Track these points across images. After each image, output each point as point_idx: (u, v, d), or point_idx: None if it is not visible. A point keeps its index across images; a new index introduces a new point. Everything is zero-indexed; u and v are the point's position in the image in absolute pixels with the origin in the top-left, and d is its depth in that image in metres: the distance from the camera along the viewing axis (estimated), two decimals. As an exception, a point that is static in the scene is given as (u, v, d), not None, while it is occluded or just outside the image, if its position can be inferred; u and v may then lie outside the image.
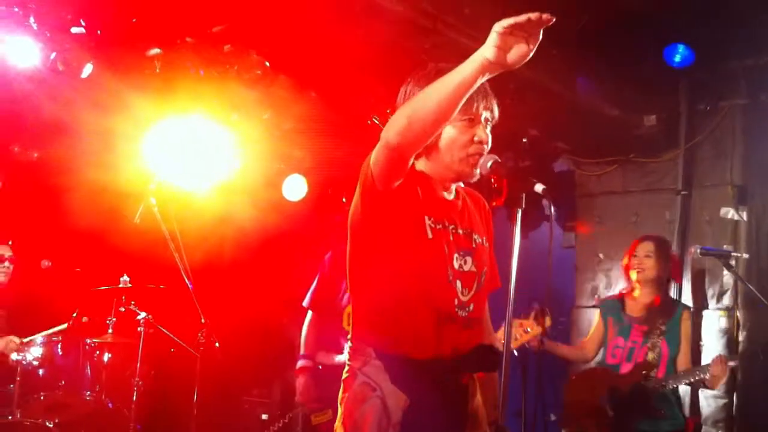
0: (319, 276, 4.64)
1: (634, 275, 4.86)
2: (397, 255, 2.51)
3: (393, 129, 2.35)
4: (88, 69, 4.90)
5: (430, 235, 2.54)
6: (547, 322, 4.37)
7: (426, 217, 2.56)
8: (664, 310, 4.81)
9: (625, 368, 4.66)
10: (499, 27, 2.14)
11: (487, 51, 2.18)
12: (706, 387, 4.71)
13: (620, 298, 4.98)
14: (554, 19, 2.12)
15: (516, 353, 4.50)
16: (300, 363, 4.52)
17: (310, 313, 4.64)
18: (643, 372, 4.59)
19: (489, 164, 2.58)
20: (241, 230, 6.19)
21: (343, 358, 4.29)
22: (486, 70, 2.23)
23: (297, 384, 4.51)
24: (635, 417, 4.56)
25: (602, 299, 5.11)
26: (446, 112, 2.32)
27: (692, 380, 4.63)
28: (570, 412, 4.77)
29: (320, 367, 4.47)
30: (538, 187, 2.50)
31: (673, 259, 5.15)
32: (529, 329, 4.04)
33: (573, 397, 4.78)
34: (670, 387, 4.63)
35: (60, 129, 5.55)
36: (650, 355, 4.66)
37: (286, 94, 5.65)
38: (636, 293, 4.88)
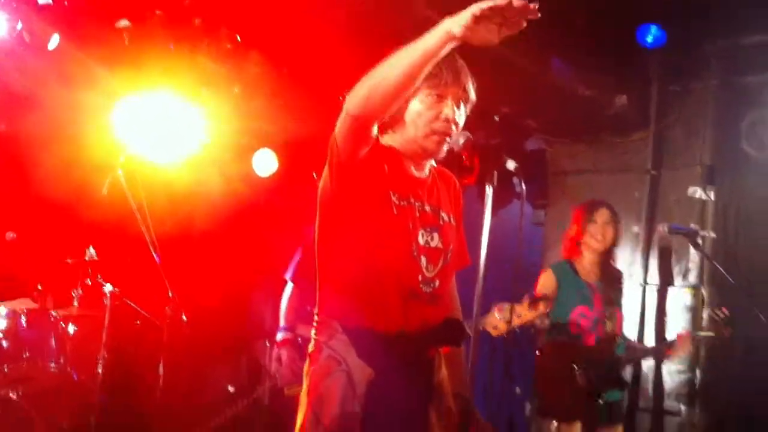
0: (302, 249, 4.64)
1: (594, 244, 4.71)
2: (363, 230, 2.52)
3: (354, 98, 2.35)
4: (55, 40, 4.82)
5: (395, 211, 2.55)
6: (542, 308, 4.37)
7: (391, 193, 2.56)
8: (615, 277, 4.81)
9: (590, 339, 4.58)
10: (477, 9, 2.11)
11: (455, 27, 2.16)
12: (665, 358, 4.75)
13: (570, 263, 4.79)
14: (537, 10, 2.10)
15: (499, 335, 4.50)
16: (281, 335, 4.54)
17: (290, 286, 4.65)
18: (612, 345, 4.57)
19: (461, 141, 2.58)
20: (210, 204, 6.15)
21: None
22: (449, 43, 2.21)
23: (278, 356, 4.50)
24: (607, 388, 4.52)
25: (554, 263, 4.87)
26: (407, 82, 2.31)
27: (655, 354, 4.74)
28: (542, 389, 4.67)
29: (300, 339, 4.47)
30: (510, 165, 2.50)
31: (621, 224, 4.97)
32: (520, 315, 4.06)
33: (547, 375, 4.64)
34: (639, 359, 4.68)
35: (27, 101, 5.46)
36: (608, 325, 4.62)
37: (256, 69, 5.60)
38: (587, 261, 4.75)
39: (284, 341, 4.52)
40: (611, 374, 4.53)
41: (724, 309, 4.75)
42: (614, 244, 4.77)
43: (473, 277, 2.48)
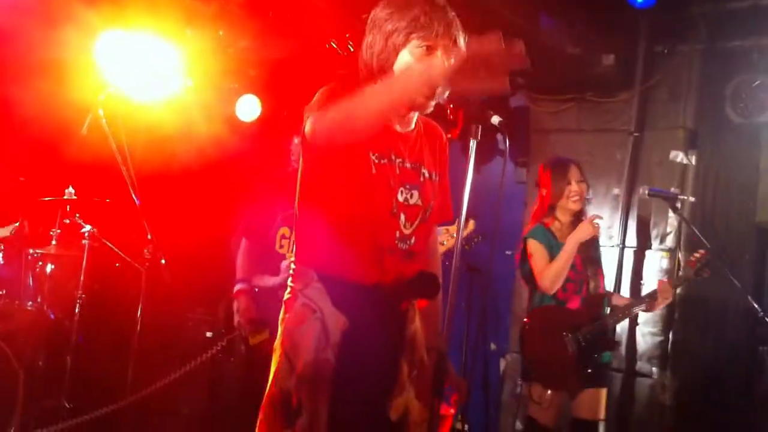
0: (254, 204, 4.68)
1: (572, 205, 4.62)
2: (342, 187, 2.52)
3: (321, 127, 2.36)
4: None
5: (373, 170, 2.55)
6: (471, 226, 4.39)
7: (370, 153, 2.55)
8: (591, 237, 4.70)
9: (574, 302, 4.56)
10: (454, 61, 2.22)
11: (437, 72, 2.26)
12: (647, 310, 4.74)
13: (547, 227, 4.67)
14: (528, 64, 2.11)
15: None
16: (237, 287, 4.60)
17: (244, 240, 4.69)
18: (600, 306, 4.55)
19: (446, 93, 2.55)
20: (192, 147, 6.10)
21: (278, 280, 4.35)
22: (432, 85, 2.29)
23: (235, 307, 4.58)
24: (598, 351, 4.53)
25: (531, 229, 4.72)
26: (380, 120, 2.41)
27: (641, 307, 4.69)
28: (530, 355, 4.61)
29: (257, 289, 4.51)
30: (495, 119, 2.48)
31: None
32: (455, 234, 4.07)
33: (531, 338, 4.60)
34: (626, 317, 4.71)
35: (4, 37, 5.36)
36: (591, 285, 4.60)
37: (241, 12, 5.53)
38: (563, 223, 4.66)
39: (239, 291, 4.59)
40: (600, 336, 4.51)
41: (701, 251, 4.73)
42: (585, 203, 4.73)
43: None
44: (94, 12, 5.18)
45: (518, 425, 5.69)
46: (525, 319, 4.69)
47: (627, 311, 4.70)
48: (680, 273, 4.94)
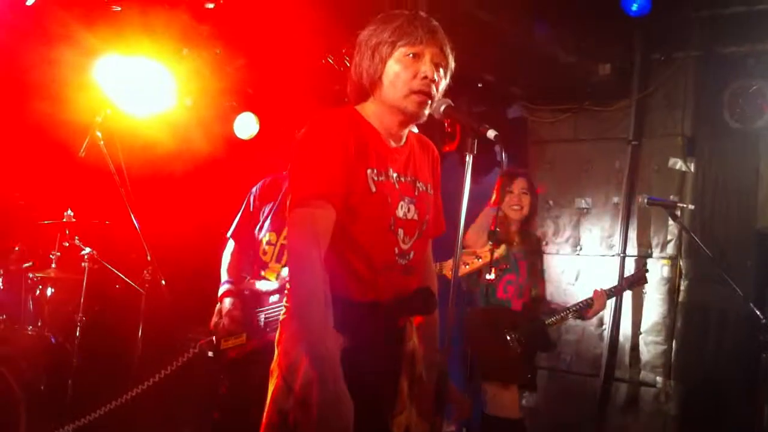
0: (244, 207, 4.64)
1: (511, 213, 4.77)
2: (341, 207, 2.50)
3: (292, 265, 2.46)
4: (34, -5, 4.74)
5: (373, 189, 2.54)
6: (501, 251, 4.44)
7: (369, 170, 2.55)
8: (536, 244, 4.93)
9: (517, 304, 4.70)
10: None
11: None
12: (582, 318, 4.91)
13: (497, 232, 4.78)
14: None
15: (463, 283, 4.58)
16: (224, 287, 4.45)
17: (231, 244, 4.64)
18: (539, 308, 4.72)
19: (442, 108, 2.56)
20: (190, 167, 6.10)
21: (274, 285, 4.30)
22: None
23: (218, 310, 4.44)
24: (537, 350, 4.77)
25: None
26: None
27: (576, 313, 4.82)
28: (475, 353, 4.62)
29: (247, 292, 4.43)
30: (491, 134, 2.47)
31: (537, 193, 5.05)
32: (479, 258, 4.12)
33: (476, 338, 4.67)
34: (562, 322, 4.81)
35: (4, 59, 5.37)
36: (533, 291, 4.76)
37: (237, 30, 5.54)
38: (509, 227, 4.79)
39: (226, 292, 4.46)
40: (539, 338, 4.67)
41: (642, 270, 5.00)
42: (532, 213, 4.85)
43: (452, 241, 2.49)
44: (91, 33, 5.19)
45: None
46: (467, 317, 4.74)
47: (563, 315, 4.81)
48: (615, 285, 5.04)
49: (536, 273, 4.82)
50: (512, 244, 4.77)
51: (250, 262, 4.53)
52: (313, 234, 2.40)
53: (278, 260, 4.36)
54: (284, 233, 4.38)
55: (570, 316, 4.83)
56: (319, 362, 2.27)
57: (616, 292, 5.07)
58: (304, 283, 2.38)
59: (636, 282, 5.14)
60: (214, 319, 4.44)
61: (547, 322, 4.70)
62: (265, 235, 4.44)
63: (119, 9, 5.06)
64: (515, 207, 4.77)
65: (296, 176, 2.49)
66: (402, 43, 2.54)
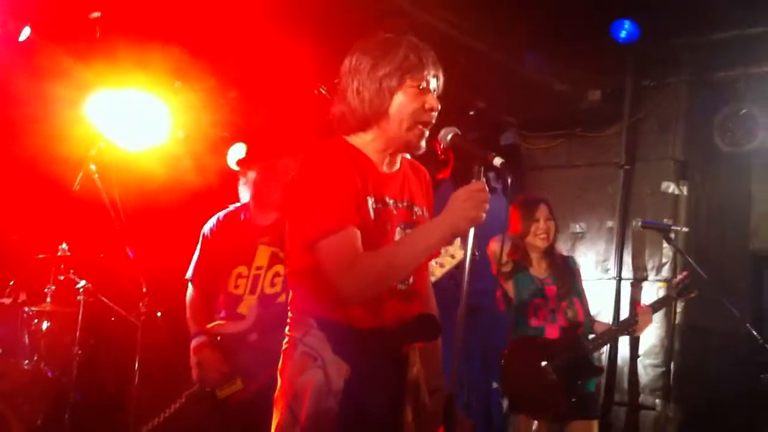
0: (200, 249, 4.52)
1: (539, 242, 4.67)
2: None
3: (354, 287, 2.41)
4: (26, 32, 4.76)
5: (372, 216, 2.53)
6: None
7: (368, 198, 2.54)
8: (565, 266, 4.79)
9: (551, 330, 4.56)
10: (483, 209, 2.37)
11: (463, 224, 2.40)
12: (629, 334, 4.79)
13: (518, 261, 4.71)
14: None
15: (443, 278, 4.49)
16: (195, 341, 4.28)
17: (191, 289, 4.48)
18: (577, 332, 4.55)
19: (449, 137, 2.53)
20: (184, 199, 6.10)
21: (245, 324, 4.21)
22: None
23: (193, 362, 4.26)
24: (581, 378, 4.52)
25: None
26: (408, 274, 2.56)
27: (621, 332, 4.72)
28: (511, 386, 4.63)
29: (219, 338, 4.33)
30: (497, 161, 2.44)
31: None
32: (453, 255, 4.08)
33: (511, 370, 4.59)
34: (607, 343, 4.70)
35: (-3, 93, 5.39)
36: (569, 314, 4.60)
37: (230, 63, 5.57)
38: (533, 258, 4.72)
39: (200, 345, 4.26)
40: (581, 362, 4.51)
41: (684, 273, 4.81)
42: (556, 237, 4.77)
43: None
44: (84, 67, 5.21)
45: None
46: (504, 351, 4.67)
47: (608, 337, 4.71)
48: (662, 295, 4.93)
49: (569, 295, 4.65)
50: (539, 271, 4.68)
51: (217, 303, 4.40)
52: (354, 252, 2.41)
53: (252, 292, 4.28)
54: (255, 263, 4.32)
55: (615, 335, 4.72)
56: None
57: (660, 306, 4.88)
58: (372, 273, 2.42)
59: (684, 290, 4.78)
60: (195, 371, 4.33)
61: (590, 347, 4.57)
62: (232, 269, 4.35)
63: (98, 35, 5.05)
64: (542, 236, 4.67)
65: (308, 210, 2.46)
66: (410, 76, 2.52)
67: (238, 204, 4.60)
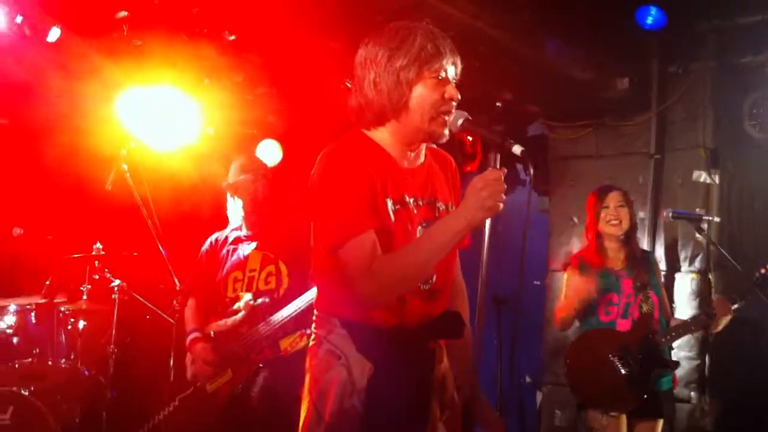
0: (196, 266, 4.71)
1: (610, 229, 4.62)
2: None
3: (375, 288, 2.40)
4: (55, 33, 4.80)
5: (392, 218, 2.51)
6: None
7: (387, 200, 2.52)
8: (643, 259, 4.70)
9: (622, 325, 4.49)
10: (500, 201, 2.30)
11: (474, 220, 2.33)
12: (707, 330, 4.67)
13: (586, 257, 4.70)
14: None
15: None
16: (190, 336, 4.46)
17: (191, 301, 4.66)
18: (650, 325, 4.45)
19: (459, 122, 2.50)
20: (216, 196, 6.15)
21: (236, 319, 4.31)
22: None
23: (188, 360, 4.43)
24: (652, 372, 4.44)
25: (575, 257, 4.78)
26: (429, 273, 2.52)
27: (697, 326, 4.57)
28: (579, 382, 4.55)
29: (213, 333, 4.43)
30: (516, 149, 2.37)
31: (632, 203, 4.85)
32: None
33: (578, 365, 4.54)
34: (681, 336, 4.57)
35: (28, 94, 5.46)
36: (645, 308, 4.52)
37: (258, 58, 5.59)
38: (609, 248, 4.66)
39: (194, 340, 4.42)
40: (652, 355, 4.41)
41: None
42: (633, 225, 4.69)
43: (476, 265, 2.46)
44: (113, 66, 5.26)
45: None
46: (569, 346, 4.64)
47: (681, 331, 4.57)
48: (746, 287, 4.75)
49: (645, 289, 4.57)
50: (614, 262, 4.62)
51: (216, 306, 4.54)
52: (371, 257, 2.40)
53: (249, 288, 4.44)
54: (249, 266, 4.50)
55: (691, 329, 4.57)
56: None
57: (743, 296, 4.62)
58: (395, 274, 2.42)
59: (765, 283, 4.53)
60: (189, 369, 4.44)
61: (662, 340, 4.46)
62: (228, 276, 4.50)
63: (140, 43, 5.12)
64: (613, 222, 4.61)
65: (326, 217, 2.47)
66: (428, 67, 2.50)
67: (233, 226, 4.79)
